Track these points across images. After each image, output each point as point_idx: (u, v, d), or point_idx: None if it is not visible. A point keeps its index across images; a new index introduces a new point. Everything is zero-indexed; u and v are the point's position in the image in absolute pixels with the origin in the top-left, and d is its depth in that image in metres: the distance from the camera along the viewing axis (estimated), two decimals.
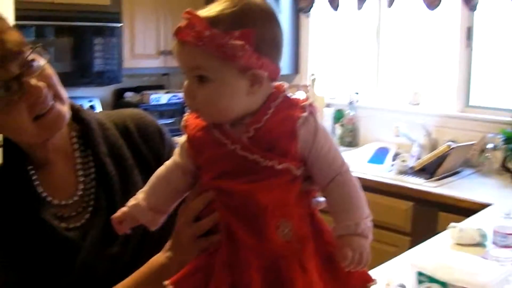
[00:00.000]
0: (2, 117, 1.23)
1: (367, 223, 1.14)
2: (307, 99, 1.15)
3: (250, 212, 1.10)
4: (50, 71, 1.29)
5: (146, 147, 1.49)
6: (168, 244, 1.27)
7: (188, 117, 1.20)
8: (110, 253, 1.29)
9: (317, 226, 1.17)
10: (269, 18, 1.15)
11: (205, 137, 1.15)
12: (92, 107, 4.48)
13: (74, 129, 1.43)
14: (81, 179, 1.40)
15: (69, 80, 4.08)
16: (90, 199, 1.39)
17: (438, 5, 3.82)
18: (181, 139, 1.23)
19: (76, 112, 1.42)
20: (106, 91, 4.80)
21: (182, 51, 1.10)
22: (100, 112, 1.54)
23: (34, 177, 1.35)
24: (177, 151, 1.24)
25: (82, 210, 1.38)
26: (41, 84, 1.23)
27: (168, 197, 1.24)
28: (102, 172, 1.40)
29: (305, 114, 1.11)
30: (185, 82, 1.13)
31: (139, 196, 1.23)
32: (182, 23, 1.09)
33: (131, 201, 1.23)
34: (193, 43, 1.07)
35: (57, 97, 1.28)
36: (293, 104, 1.14)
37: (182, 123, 1.21)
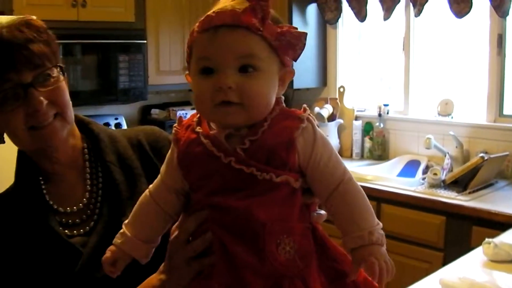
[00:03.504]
0: (2, 118, 1.30)
1: (379, 231, 1.08)
2: (305, 110, 1.10)
3: (248, 229, 1.04)
4: (63, 90, 1.35)
5: (157, 159, 1.49)
6: (162, 266, 1.23)
7: (179, 129, 1.14)
8: None
9: (320, 242, 1.11)
10: None
11: (196, 151, 1.09)
12: (118, 124, 4.47)
13: (85, 141, 1.48)
14: (88, 188, 1.44)
15: (95, 98, 4.11)
16: (95, 207, 1.42)
17: (467, 13, 3.73)
18: (167, 156, 1.17)
19: (87, 125, 1.49)
20: (132, 108, 4.79)
21: (231, 35, 1.02)
22: (117, 130, 1.56)
23: (43, 187, 1.41)
24: (163, 171, 1.18)
25: (86, 218, 1.42)
26: (43, 99, 1.28)
27: (160, 223, 1.19)
28: (108, 180, 1.44)
29: (304, 124, 1.07)
30: (218, 76, 1.03)
31: (127, 230, 1.18)
32: (237, 7, 1.03)
33: (119, 238, 1.18)
34: (255, 28, 1.02)
35: (61, 115, 1.34)
36: (291, 115, 1.09)
37: (173, 136, 1.15)
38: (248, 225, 1.04)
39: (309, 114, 1.09)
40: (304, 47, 1.06)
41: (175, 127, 1.15)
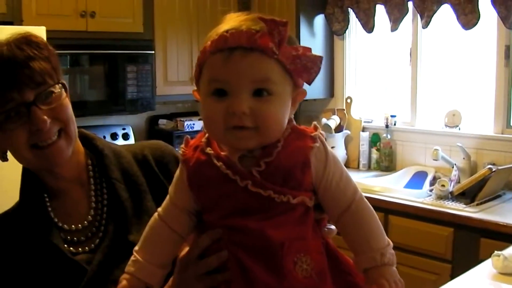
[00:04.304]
0: (5, 136, 1.30)
1: (390, 251, 1.08)
2: (316, 128, 1.10)
3: (265, 249, 1.04)
4: (66, 106, 1.34)
5: (163, 175, 1.48)
6: (170, 281, 1.21)
7: (186, 150, 1.12)
8: (115, 276, 1.24)
9: (332, 256, 1.11)
10: None
11: (208, 174, 1.07)
12: (125, 134, 4.48)
13: (90, 158, 1.47)
14: (93, 205, 1.43)
15: (102, 108, 4.12)
16: (100, 224, 1.41)
17: (474, 25, 3.73)
18: (176, 177, 1.15)
19: (91, 141, 1.47)
20: (140, 118, 4.80)
21: (247, 59, 1.00)
22: (122, 144, 1.54)
23: (48, 204, 1.40)
24: (172, 192, 1.16)
25: (91, 235, 1.40)
26: (46, 118, 1.28)
27: (173, 246, 1.17)
28: (113, 197, 1.42)
29: (317, 144, 1.06)
30: (232, 100, 1.01)
31: (139, 256, 1.15)
32: (252, 27, 1.00)
33: (132, 266, 1.15)
34: (271, 52, 1.00)
35: (64, 132, 1.33)
36: (303, 135, 1.08)
37: (181, 157, 1.13)
38: (265, 245, 1.03)
39: (320, 133, 1.09)
40: (319, 70, 1.04)
41: (182, 148, 1.13)
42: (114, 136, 4.37)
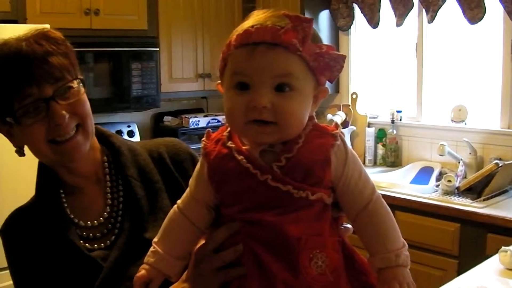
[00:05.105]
0: (23, 131, 1.30)
1: (405, 252, 1.09)
2: (336, 127, 1.10)
3: (282, 244, 1.04)
4: (84, 101, 1.35)
5: (178, 172, 1.49)
6: (185, 274, 1.21)
7: (208, 143, 1.13)
8: (130, 273, 1.24)
9: (348, 254, 1.11)
10: None
11: (229, 167, 1.08)
12: (131, 132, 4.48)
13: (106, 154, 1.48)
14: (109, 202, 1.43)
15: (107, 105, 4.12)
16: (116, 221, 1.42)
17: (480, 19, 3.71)
18: (196, 170, 1.16)
19: (108, 138, 1.48)
20: (145, 115, 4.80)
21: (270, 54, 1.01)
22: (138, 141, 1.55)
23: (64, 200, 1.41)
24: (193, 185, 1.17)
25: (107, 232, 1.41)
26: (65, 113, 1.28)
27: (192, 239, 1.18)
28: (129, 194, 1.43)
29: (338, 142, 1.07)
30: (253, 94, 1.02)
31: (158, 248, 1.16)
32: (277, 24, 1.01)
33: (151, 257, 1.16)
34: (295, 48, 1.01)
35: (82, 127, 1.34)
36: (324, 132, 1.09)
37: (202, 150, 1.14)
38: (282, 240, 1.04)
39: (341, 131, 1.09)
40: (341, 69, 1.05)
41: (203, 141, 1.14)
42: (119, 134, 4.35)
